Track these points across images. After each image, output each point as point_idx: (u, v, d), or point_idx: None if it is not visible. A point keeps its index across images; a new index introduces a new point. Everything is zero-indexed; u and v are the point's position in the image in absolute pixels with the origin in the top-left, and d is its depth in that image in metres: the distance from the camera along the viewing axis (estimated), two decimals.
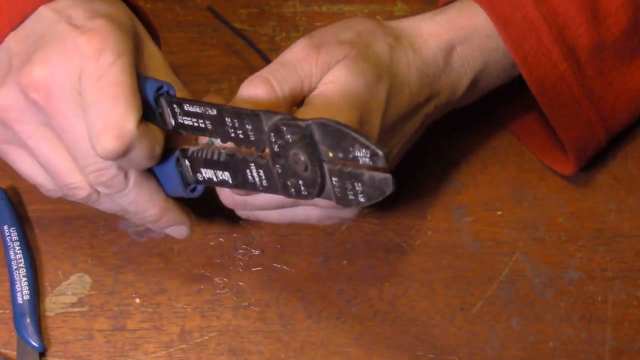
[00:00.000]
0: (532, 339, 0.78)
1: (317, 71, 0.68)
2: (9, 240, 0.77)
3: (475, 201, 0.81)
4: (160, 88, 0.65)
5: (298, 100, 0.69)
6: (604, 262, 0.80)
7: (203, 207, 0.79)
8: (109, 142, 0.63)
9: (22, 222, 0.78)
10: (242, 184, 0.66)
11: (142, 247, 0.79)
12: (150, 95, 0.65)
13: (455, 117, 0.82)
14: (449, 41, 0.73)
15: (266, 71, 0.68)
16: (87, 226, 0.79)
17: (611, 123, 0.77)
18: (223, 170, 0.66)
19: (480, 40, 0.74)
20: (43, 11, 0.66)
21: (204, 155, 0.66)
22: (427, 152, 0.82)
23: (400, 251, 0.79)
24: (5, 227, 0.78)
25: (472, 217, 0.80)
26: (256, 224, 0.79)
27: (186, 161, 0.67)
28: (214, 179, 0.67)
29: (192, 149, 0.67)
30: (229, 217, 0.79)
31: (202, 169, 0.67)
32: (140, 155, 0.64)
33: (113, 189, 0.67)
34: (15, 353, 0.76)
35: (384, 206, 0.80)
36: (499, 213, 0.81)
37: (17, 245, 0.77)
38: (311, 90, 0.69)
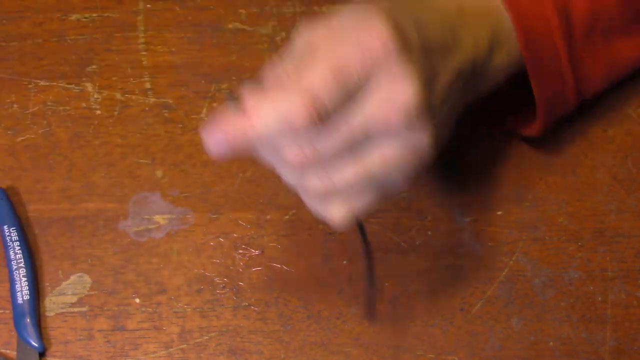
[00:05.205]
0: (532, 339, 0.78)
1: None
2: (9, 240, 0.77)
3: (475, 201, 0.81)
4: None
5: None
6: (604, 262, 0.80)
7: (203, 206, 0.79)
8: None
9: (22, 222, 0.78)
10: None
11: (142, 247, 0.79)
12: None
13: None
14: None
15: None
16: (87, 226, 0.79)
17: (583, 82, 0.77)
18: None
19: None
20: None
21: None
22: None
23: (400, 251, 0.79)
24: (5, 227, 0.78)
25: (472, 217, 0.80)
26: (256, 223, 0.79)
27: None
28: None
29: None
30: (229, 217, 0.79)
31: None
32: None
33: None
34: (15, 353, 0.76)
35: (384, 206, 0.80)
36: (499, 213, 0.81)
37: (17, 245, 0.77)
38: None
